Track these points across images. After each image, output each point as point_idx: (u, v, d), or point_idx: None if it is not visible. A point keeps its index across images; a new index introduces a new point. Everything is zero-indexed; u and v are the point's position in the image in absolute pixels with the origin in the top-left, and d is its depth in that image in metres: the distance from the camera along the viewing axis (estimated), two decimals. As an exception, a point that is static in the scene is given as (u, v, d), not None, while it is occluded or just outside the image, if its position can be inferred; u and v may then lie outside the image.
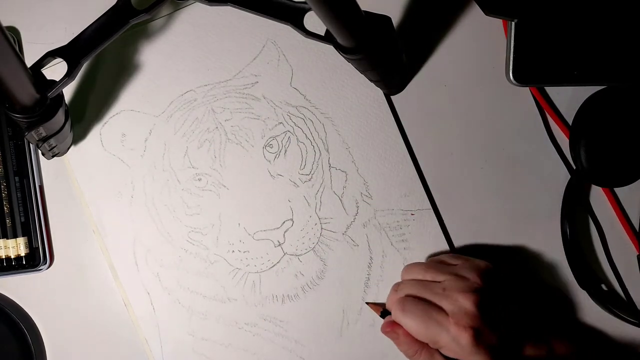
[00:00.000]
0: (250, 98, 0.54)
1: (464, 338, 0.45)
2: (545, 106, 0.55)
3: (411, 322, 0.47)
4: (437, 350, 0.48)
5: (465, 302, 0.46)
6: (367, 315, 0.54)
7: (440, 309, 0.47)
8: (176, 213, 0.54)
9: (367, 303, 0.53)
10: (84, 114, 0.54)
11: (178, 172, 0.54)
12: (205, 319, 0.54)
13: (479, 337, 0.45)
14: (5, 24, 0.54)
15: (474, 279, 0.48)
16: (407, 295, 0.49)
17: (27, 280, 0.54)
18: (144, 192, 0.54)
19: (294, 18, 0.47)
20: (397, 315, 0.48)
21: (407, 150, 0.54)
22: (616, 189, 0.55)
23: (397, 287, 0.51)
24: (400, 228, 0.54)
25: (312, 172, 0.54)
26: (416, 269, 0.51)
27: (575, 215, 0.54)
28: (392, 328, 0.49)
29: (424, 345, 0.48)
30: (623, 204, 0.55)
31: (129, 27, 0.47)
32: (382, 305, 0.53)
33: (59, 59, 0.45)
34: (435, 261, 0.52)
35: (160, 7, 0.48)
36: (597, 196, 0.55)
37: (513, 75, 0.52)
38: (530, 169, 0.55)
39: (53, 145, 0.49)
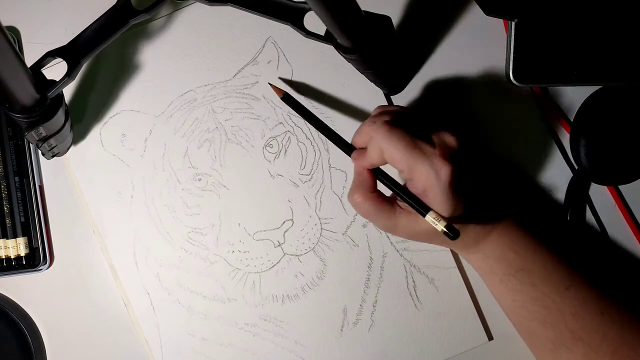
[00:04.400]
0: (250, 98, 0.54)
1: (445, 172, 0.43)
2: (546, 105, 0.55)
3: (395, 146, 0.44)
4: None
5: (452, 139, 0.45)
6: (367, 315, 0.54)
7: (427, 142, 0.45)
8: (176, 213, 0.54)
9: (269, 83, 0.52)
10: (84, 114, 0.54)
11: (178, 172, 0.54)
12: (205, 319, 0.54)
13: (457, 177, 0.44)
14: (5, 23, 0.54)
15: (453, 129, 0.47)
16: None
17: (27, 280, 0.54)
18: (144, 192, 0.54)
19: (294, 18, 0.47)
20: (380, 138, 0.44)
21: (407, 150, 0.54)
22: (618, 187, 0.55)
23: (374, 119, 0.46)
24: (401, 228, 0.54)
25: (312, 172, 0.54)
26: (395, 107, 0.49)
27: (577, 213, 0.54)
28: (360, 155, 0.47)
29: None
30: (626, 202, 0.55)
31: (129, 27, 0.47)
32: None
33: (59, 59, 0.45)
34: None
35: (160, 7, 0.48)
36: (599, 194, 0.55)
37: (513, 75, 0.52)
38: (532, 168, 0.55)
39: (53, 145, 0.49)
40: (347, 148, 0.48)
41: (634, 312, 0.47)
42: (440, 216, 0.44)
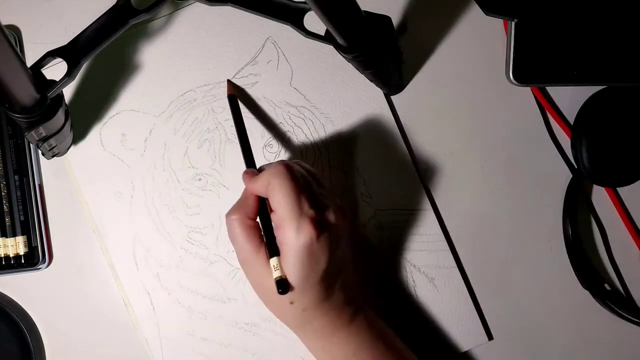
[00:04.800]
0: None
1: (305, 235, 0.42)
2: (546, 106, 0.55)
3: (282, 185, 0.43)
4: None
5: (332, 213, 0.44)
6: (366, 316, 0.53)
7: (310, 201, 0.44)
8: (176, 213, 0.54)
9: (228, 80, 0.52)
10: (84, 114, 0.54)
11: (178, 172, 0.54)
12: (205, 319, 0.53)
13: (316, 249, 0.43)
14: (5, 23, 0.54)
15: (344, 209, 0.46)
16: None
17: (26, 279, 0.54)
18: (144, 192, 0.54)
19: (294, 18, 0.47)
20: (276, 171, 0.44)
21: (407, 150, 0.54)
22: (618, 189, 0.55)
23: (289, 160, 0.47)
24: (400, 228, 0.54)
25: (312, 172, 0.54)
26: (307, 166, 0.48)
27: (577, 214, 0.54)
28: (250, 177, 0.46)
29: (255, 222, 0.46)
30: (625, 204, 0.55)
31: (129, 27, 0.47)
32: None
33: (59, 59, 0.45)
34: None
35: (160, 7, 0.48)
36: (599, 196, 0.55)
37: (513, 75, 0.52)
38: (531, 168, 0.55)
39: (53, 145, 0.49)
40: (248, 164, 0.48)
41: None
42: (282, 269, 0.43)
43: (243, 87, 0.55)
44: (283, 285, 0.43)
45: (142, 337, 0.53)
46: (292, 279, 0.43)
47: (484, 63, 0.55)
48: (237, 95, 0.52)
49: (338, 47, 0.45)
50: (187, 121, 0.54)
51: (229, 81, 0.53)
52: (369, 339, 0.47)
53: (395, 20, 0.55)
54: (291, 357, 0.53)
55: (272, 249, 0.44)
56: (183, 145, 0.54)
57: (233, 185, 0.54)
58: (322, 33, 0.46)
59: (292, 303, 0.45)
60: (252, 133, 0.54)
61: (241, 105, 0.53)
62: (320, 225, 0.43)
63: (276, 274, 0.43)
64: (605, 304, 0.53)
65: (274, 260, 0.44)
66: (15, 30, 0.55)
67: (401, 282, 0.54)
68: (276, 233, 0.44)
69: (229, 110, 0.53)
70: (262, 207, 0.46)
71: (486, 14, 0.50)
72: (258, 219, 0.46)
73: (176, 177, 0.54)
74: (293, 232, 0.43)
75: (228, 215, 0.46)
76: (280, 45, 0.55)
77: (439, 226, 0.54)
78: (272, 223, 0.45)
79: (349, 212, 0.47)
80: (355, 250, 0.51)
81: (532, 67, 0.52)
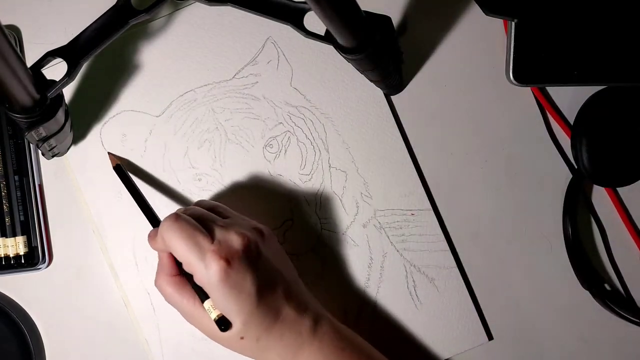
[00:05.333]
0: (250, 98, 0.54)
1: (214, 269, 0.42)
2: (546, 106, 0.55)
3: (173, 236, 0.44)
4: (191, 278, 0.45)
5: (235, 239, 0.44)
6: (367, 316, 0.54)
7: (209, 236, 0.44)
8: (176, 213, 0.54)
9: (108, 152, 0.53)
10: (84, 114, 0.54)
11: (178, 172, 0.54)
12: (205, 319, 0.53)
13: (234, 277, 0.43)
14: (5, 23, 0.54)
15: (255, 228, 0.46)
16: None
17: (26, 279, 0.54)
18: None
19: (294, 18, 0.47)
20: (163, 226, 0.44)
21: (407, 150, 0.54)
22: (618, 189, 0.55)
23: (180, 210, 0.47)
24: (400, 228, 0.54)
25: (312, 172, 0.54)
26: (208, 202, 0.50)
27: (577, 214, 0.54)
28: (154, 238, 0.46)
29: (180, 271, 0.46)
30: (625, 204, 0.55)
31: (129, 27, 0.47)
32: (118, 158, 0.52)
33: (59, 59, 0.45)
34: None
35: (160, 7, 0.48)
36: (599, 196, 0.55)
37: (513, 75, 0.52)
38: (531, 168, 0.55)
39: (53, 145, 0.49)
40: (152, 224, 0.49)
41: None
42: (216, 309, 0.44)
43: (243, 87, 0.55)
44: (223, 323, 0.44)
45: (142, 337, 0.53)
46: (229, 314, 0.44)
47: (484, 63, 0.55)
48: (122, 165, 0.52)
49: (338, 47, 0.45)
50: (187, 121, 0.54)
51: (110, 153, 0.53)
52: (337, 352, 0.46)
53: (395, 20, 0.55)
54: (291, 357, 0.53)
55: (201, 294, 0.45)
56: (183, 145, 0.54)
57: (233, 185, 0.54)
58: (322, 33, 0.46)
59: (242, 338, 0.45)
60: (253, 133, 0.54)
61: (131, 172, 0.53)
62: (226, 253, 0.43)
63: (213, 315, 0.44)
64: (605, 304, 0.53)
65: (206, 304, 0.44)
66: (15, 30, 0.55)
67: (401, 282, 0.54)
68: (195, 279, 0.45)
69: (230, 110, 0.53)
70: (178, 260, 0.46)
71: (486, 14, 0.50)
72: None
73: (176, 177, 0.54)
74: (204, 272, 0.43)
75: (155, 282, 0.47)
76: (280, 45, 0.55)
77: (439, 226, 0.54)
78: (188, 271, 0.45)
79: (265, 230, 0.47)
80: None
81: (532, 67, 0.52)
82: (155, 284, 0.48)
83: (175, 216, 0.45)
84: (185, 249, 0.44)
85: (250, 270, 0.44)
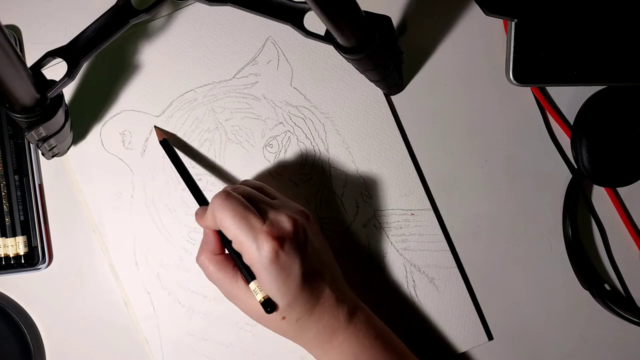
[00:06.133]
0: (250, 98, 0.54)
1: (267, 249, 0.43)
2: (546, 106, 0.55)
3: (225, 214, 0.44)
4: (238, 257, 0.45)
5: (286, 221, 0.44)
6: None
7: (260, 217, 0.44)
8: (176, 213, 0.54)
9: (155, 126, 0.53)
10: (84, 114, 0.54)
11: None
12: (205, 319, 0.53)
13: (284, 258, 0.43)
14: (5, 23, 0.54)
15: (302, 212, 0.47)
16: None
17: (26, 279, 0.54)
18: (144, 192, 0.54)
19: (294, 18, 0.47)
20: (214, 203, 0.45)
21: (407, 150, 0.54)
22: (618, 189, 0.55)
23: (230, 188, 0.47)
24: (400, 228, 0.54)
25: (312, 172, 0.54)
26: (254, 182, 0.50)
27: (576, 214, 0.54)
28: (202, 215, 0.47)
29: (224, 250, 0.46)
30: (625, 204, 0.55)
31: (129, 27, 0.47)
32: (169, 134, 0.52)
33: (59, 59, 0.45)
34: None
35: (160, 7, 0.48)
36: (599, 196, 0.55)
37: (513, 75, 0.52)
38: (531, 168, 0.55)
39: (53, 145, 0.49)
40: (199, 202, 0.49)
41: None
42: (262, 290, 0.44)
43: (243, 86, 0.55)
44: (269, 305, 0.44)
45: (142, 337, 0.53)
46: (275, 295, 0.44)
47: (484, 63, 0.55)
48: (169, 139, 0.52)
49: (338, 47, 0.45)
50: (188, 121, 0.54)
51: (156, 127, 0.53)
52: (369, 340, 0.47)
53: (395, 20, 0.55)
54: (291, 357, 0.53)
55: (247, 274, 0.45)
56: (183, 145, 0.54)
57: (233, 185, 0.54)
58: (322, 33, 0.46)
59: (284, 318, 0.45)
60: (253, 133, 0.54)
61: (176, 147, 0.53)
62: (278, 235, 0.44)
63: (259, 296, 0.44)
64: (605, 304, 0.53)
65: (252, 285, 0.44)
66: (15, 30, 0.55)
67: (401, 282, 0.54)
68: (243, 258, 0.45)
69: (230, 110, 0.53)
70: (224, 239, 0.46)
71: (486, 14, 0.50)
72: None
73: (176, 177, 0.54)
74: (255, 252, 0.43)
75: (197, 258, 0.47)
76: (280, 45, 0.55)
77: (439, 226, 0.54)
78: (237, 250, 0.45)
79: (310, 214, 0.48)
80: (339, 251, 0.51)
81: (532, 67, 0.52)
82: (197, 260, 0.47)
83: (226, 194, 0.45)
84: (237, 228, 0.44)
85: (299, 253, 0.44)
